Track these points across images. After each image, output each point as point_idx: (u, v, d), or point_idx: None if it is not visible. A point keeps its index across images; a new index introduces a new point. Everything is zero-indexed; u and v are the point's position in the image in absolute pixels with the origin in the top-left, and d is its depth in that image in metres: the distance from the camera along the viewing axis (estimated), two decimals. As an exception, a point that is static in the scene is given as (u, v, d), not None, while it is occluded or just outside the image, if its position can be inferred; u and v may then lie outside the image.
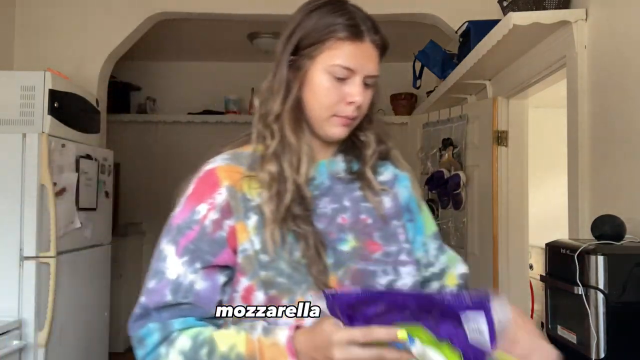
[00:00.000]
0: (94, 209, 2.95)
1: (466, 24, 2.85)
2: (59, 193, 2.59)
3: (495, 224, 2.88)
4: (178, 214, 0.92)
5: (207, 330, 0.85)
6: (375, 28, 0.93)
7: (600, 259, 1.38)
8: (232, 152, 0.97)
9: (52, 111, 2.59)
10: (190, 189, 0.94)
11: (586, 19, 2.04)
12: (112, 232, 3.28)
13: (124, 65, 4.27)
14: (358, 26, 0.91)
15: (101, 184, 3.04)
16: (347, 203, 0.96)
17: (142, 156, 4.97)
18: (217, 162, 0.95)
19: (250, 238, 0.88)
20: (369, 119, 1.00)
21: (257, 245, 0.88)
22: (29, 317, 2.42)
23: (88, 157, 2.89)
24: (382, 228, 0.96)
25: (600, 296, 1.37)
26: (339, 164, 0.99)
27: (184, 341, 0.84)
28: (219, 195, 0.90)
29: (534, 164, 3.11)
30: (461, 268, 1.08)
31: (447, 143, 3.30)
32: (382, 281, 0.92)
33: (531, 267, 3.24)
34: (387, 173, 1.03)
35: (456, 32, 3.04)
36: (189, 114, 4.87)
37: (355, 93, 0.91)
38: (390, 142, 1.05)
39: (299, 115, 0.94)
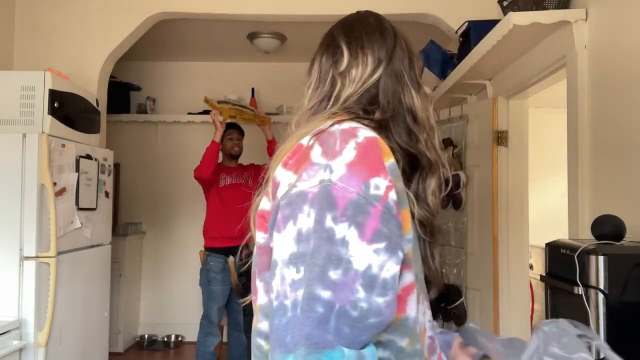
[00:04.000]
0: (94, 209, 2.95)
1: (466, 24, 2.85)
2: (59, 193, 2.59)
3: (495, 224, 2.88)
4: (344, 184, 0.71)
5: None
6: None
7: (600, 259, 1.38)
8: (363, 126, 0.81)
9: (52, 111, 2.59)
10: (352, 154, 0.73)
11: (586, 19, 2.04)
12: (112, 232, 3.28)
13: (124, 65, 4.28)
14: None
15: (101, 184, 3.04)
16: None
17: (142, 156, 4.98)
18: (370, 132, 0.77)
19: (412, 226, 0.78)
20: None
21: (413, 236, 0.79)
22: (29, 317, 2.43)
23: (88, 157, 2.89)
24: None
25: (600, 296, 1.37)
26: None
27: None
28: (391, 171, 0.74)
29: (534, 164, 3.11)
30: None
31: (447, 143, 3.30)
32: None
33: (531, 267, 3.25)
34: None
35: (456, 32, 3.04)
36: (189, 114, 4.88)
37: None
38: None
39: None
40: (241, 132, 3.77)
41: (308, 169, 0.74)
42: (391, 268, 0.70)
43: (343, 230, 0.69)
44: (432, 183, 0.87)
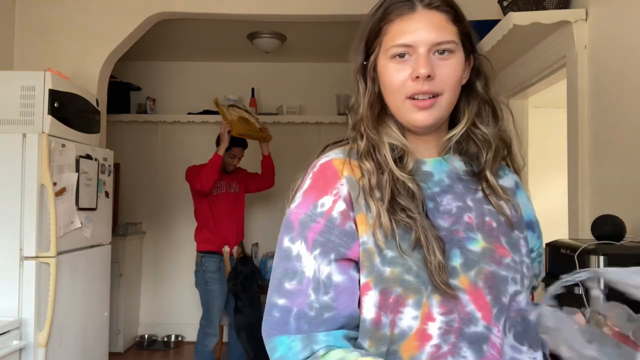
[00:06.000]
0: (94, 209, 2.95)
1: (466, 24, 2.85)
2: (59, 193, 2.59)
3: (495, 224, 2.87)
4: (297, 210, 0.86)
5: (353, 356, 0.77)
6: None
7: (601, 259, 1.38)
8: (339, 149, 0.92)
9: (52, 111, 2.59)
10: (307, 183, 0.88)
11: (586, 19, 2.04)
12: (112, 232, 3.28)
13: (124, 65, 4.28)
14: (408, 0, 0.87)
15: (101, 184, 3.04)
16: (470, 203, 0.90)
17: (142, 156, 4.98)
18: (332, 156, 0.90)
19: (372, 231, 0.83)
20: (492, 108, 0.94)
21: (382, 239, 0.82)
22: (29, 317, 2.43)
23: (88, 157, 2.89)
24: (507, 234, 0.90)
25: (601, 296, 1.37)
26: (456, 163, 0.93)
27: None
28: (342, 186, 0.85)
29: (534, 164, 3.11)
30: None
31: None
32: (510, 289, 0.86)
33: (531, 267, 3.23)
34: (507, 179, 0.97)
35: (456, 32, 3.03)
36: (189, 114, 4.87)
37: (418, 65, 0.84)
38: (509, 139, 0.96)
39: (379, 111, 0.91)
40: (245, 147, 3.73)
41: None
42: (324, 270, 0.82)
43: (298, 246, 0.84)
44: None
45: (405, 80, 0.85)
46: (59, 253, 2.55)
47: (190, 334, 4.64)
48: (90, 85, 3.31)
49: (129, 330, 4.64)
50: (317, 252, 0.82)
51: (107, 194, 3.13)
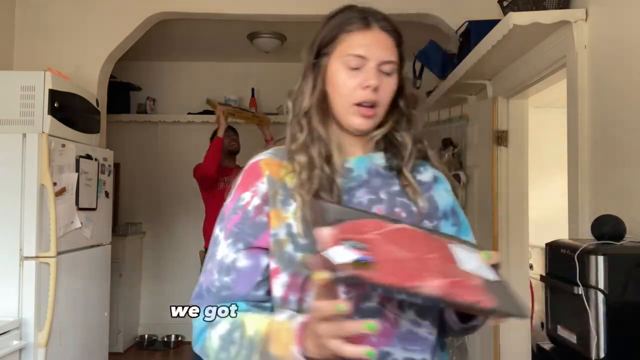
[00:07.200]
0: (94, 209, 2.95)
1: (466, 24, 2.85)
2: (59, 193, 2.59)
3: (495, 224, 2.88)
4: (229, 203, 1.01)
5: (241, 315, 0.92)
6: (384, 16, 1.01)
7: (600, 259, 1.38)
8: (273, 149, 1.06)
9: (52, 111, 2.59)
10: (239, 180, 1.03)
11: (586, 19, 2.04)
12: (112, 232, 3.28)
13: (124, 65, 4.27)
14: (365, 17, 0.99)
15: (101, 184, 3.04)
16: (383, 196, 1.01)
17: (142, 156, 4.98)
18: (261, 156, 1.04)
19: (287, 222, 0.95)
20: (408, 120, 1.06)
21: (295, 230, 0.94)
22: (29, 317, 2.43)
23: (88, 157, 2.89)
24: (415, 224, 0.98)
25: (600, 296, 1.37)
26: (378, 160, 1.05)
27: (223, 325, 0.92)
28: (262, 184, 0.99)
29: (534, 164, 3.11)
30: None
31: (447, 143, 3.30)
32: None
33: (531, 267, 3.24)
34: (426, 173, 1.08)
35: (456, 32, 3.04)
36: (189, 114, 4.88)
37: (369, 77, 0.96)
38: (427, 143, 1.11)
39: (325, 108, 1.02)
40: (235, 131, 3.75)
41: None
42: (230, 256, 0.96)
43: (219, 234, 0.99)
44: None
45: (355, 87, 0.97)
46: (59, 253, 2.55)
47: (190, 334, 4.64)
48: (90, 85, 3.31)
49: (129, 330, 4.64)
50: (230, 240, 0.97)
51: (107, 194, 3.14)
